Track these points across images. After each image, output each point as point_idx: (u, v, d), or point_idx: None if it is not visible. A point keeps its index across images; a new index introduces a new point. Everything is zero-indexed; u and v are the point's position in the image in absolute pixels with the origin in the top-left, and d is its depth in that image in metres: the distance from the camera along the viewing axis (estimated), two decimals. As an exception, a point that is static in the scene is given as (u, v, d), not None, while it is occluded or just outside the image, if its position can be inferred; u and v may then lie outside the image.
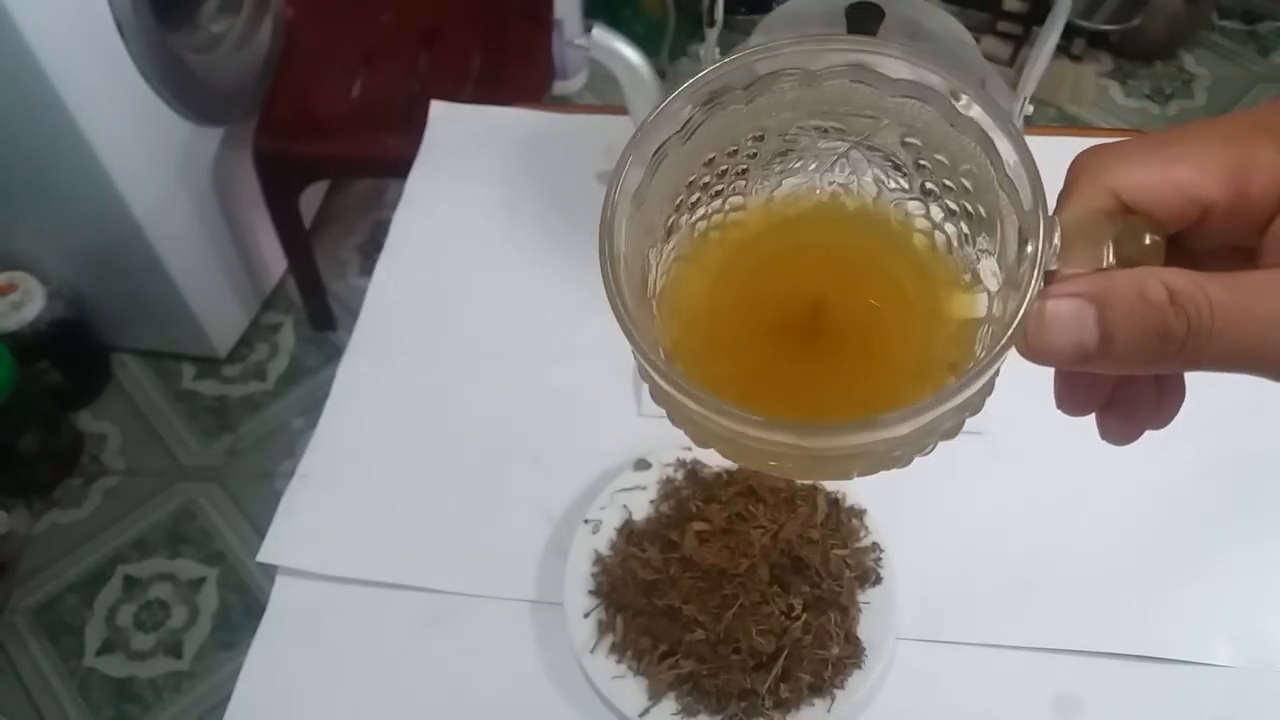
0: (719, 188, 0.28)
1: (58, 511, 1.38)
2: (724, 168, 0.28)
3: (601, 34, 0.62)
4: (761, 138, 0.28)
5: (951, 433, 0.25)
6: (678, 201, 0.28)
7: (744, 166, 0.28)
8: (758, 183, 0.28)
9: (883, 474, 0.58)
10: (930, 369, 0.23)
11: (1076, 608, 0.56)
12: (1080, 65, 1.84)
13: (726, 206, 0.28)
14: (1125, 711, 0.53)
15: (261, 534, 0.60)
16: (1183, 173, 0.23)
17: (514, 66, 1.35)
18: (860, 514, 0.57)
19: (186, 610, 1.29)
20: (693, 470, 0.59)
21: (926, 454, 0.26)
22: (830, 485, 0.58)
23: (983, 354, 0.23)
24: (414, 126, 0.79)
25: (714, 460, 0.59)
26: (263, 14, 1.36)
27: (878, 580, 0.55)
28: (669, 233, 0.28)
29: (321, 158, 1.34)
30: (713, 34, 0.62)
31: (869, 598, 0.54)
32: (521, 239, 0.71)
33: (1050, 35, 0.55)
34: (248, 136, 1.30)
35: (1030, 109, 0.59)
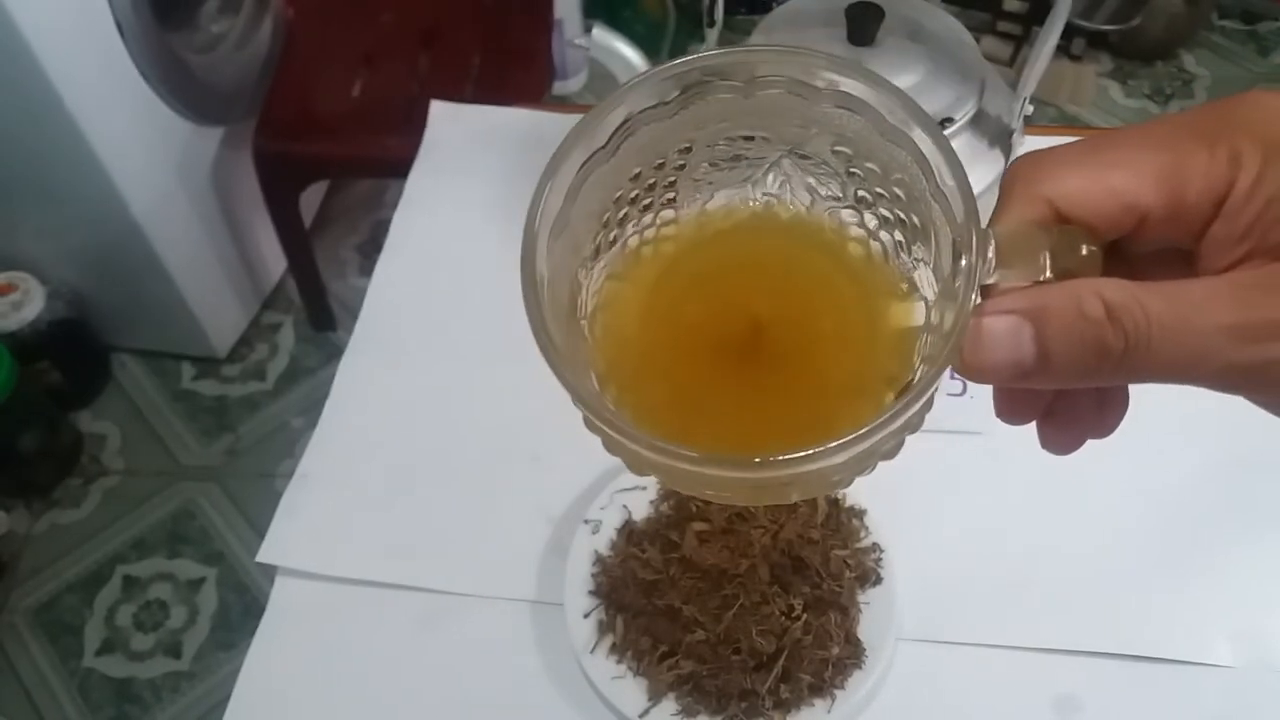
0: (648, 201, 0.27)
1: (57, 511, 1.38)
2: (652, 181, 0.27)
3: (601, 34, 0.62)
4: (689, 149, 0.27)
5: (891, 453, 0.25)
6: (605, 219, 0.27)
7: (672, 179, 0.27)
8: (688, 195, 0.28)
9: (883, 475, 0.58)
10: (869, 382, 0.23)
11: (1076, 608, 0.56)
12: (1080, 65, 1.84)
13: (658, 221, 0.28)
14: (1125, 711, 0.53)
15: (261, 534, 0.60)
16: (1118, 179, 0.23)
17: (514, 66, 1.35)
18: (860, 514, 0.57)
19: (186, 610, 1.29)
20: (693, 470, 0.59)
21: (867, 474, 0.26)
22: (830, 485, 0.58)
23: (919, 375, 0.22)
24: (414, 126, 0.79)
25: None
26: (262, 14, 1.36)
27: (878, 581, 0.55)
28: (598, 251, 0.27)
29: (321, 158, 1.34)
30: (713, 34, 0.62)
31: (869, 598, 0.54)
32: (521, 239, 0.71)
33: (1050, 35, 0.55)
34: (247, 136, 1.30)
35: (1030, 109, 0.59)
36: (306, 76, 1.35)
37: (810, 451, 0.22)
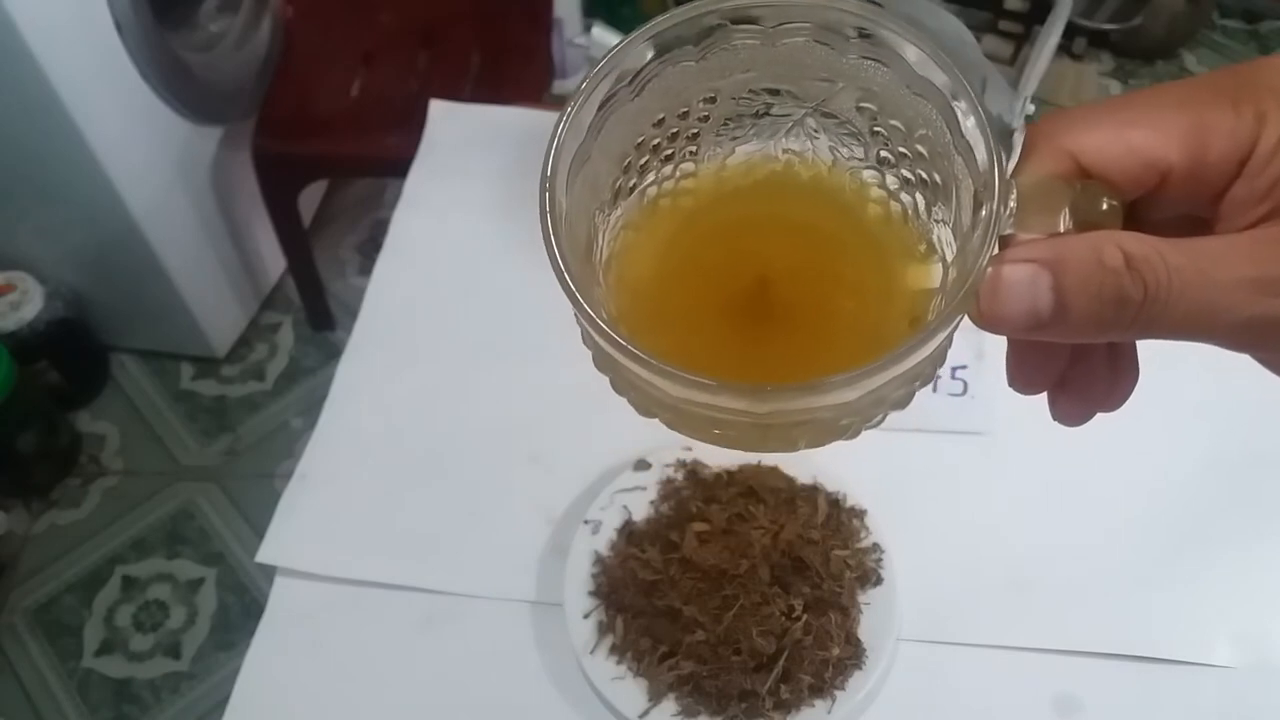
0: (669, 151, 0.27)
1: (56, 512, 1.38)
2: (674, 130, 0.27)
3: (601, 32, 0.62)
4: (713, 99, 0.27)
5: (901, 402, 0.25)
6: (626, 163, 0.27)
7: (695, 130, 0.27)
8: (710, 149, 0.28)
9: (883, 475, 0.58)
10: (883, 343, 0.23)
11: (1077, 608, 0.56)
12: (1081, 64, 1.84)
13: (677, 173, 0.28)
14: (1125, 711, 0.53)
15: (260, 534, 0.59)
16: (1141, 136, 0.23)
17: (514, 66, 1.34)
18: (861, 515, 0.57)
19: (185, 611, 1.29)
20: (693, 471, 0.59)
21: (874, 425, 0.25)
22: (831, 485, 0.57)
23: (933, 318, 0.22)
24: (413, 126, 0.79)
25: (714, 460, 0.59)
26: (261, 13, 1.35)
27: (878, 581, 0.55)
28: (616, 196, 0.27)
29: (321, 157, 1.34)
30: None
31: (869, 598, 0.54)
32: (521, 238, 0.71)
33: (1051, 34, 0.55)
34: (247, 136, 1.30)
35: (1032, 108, 0.59)
36: (305, 76, 1.35)
37: (821, 381, 0.22)
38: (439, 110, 0.80)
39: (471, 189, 0.75)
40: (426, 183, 0.76)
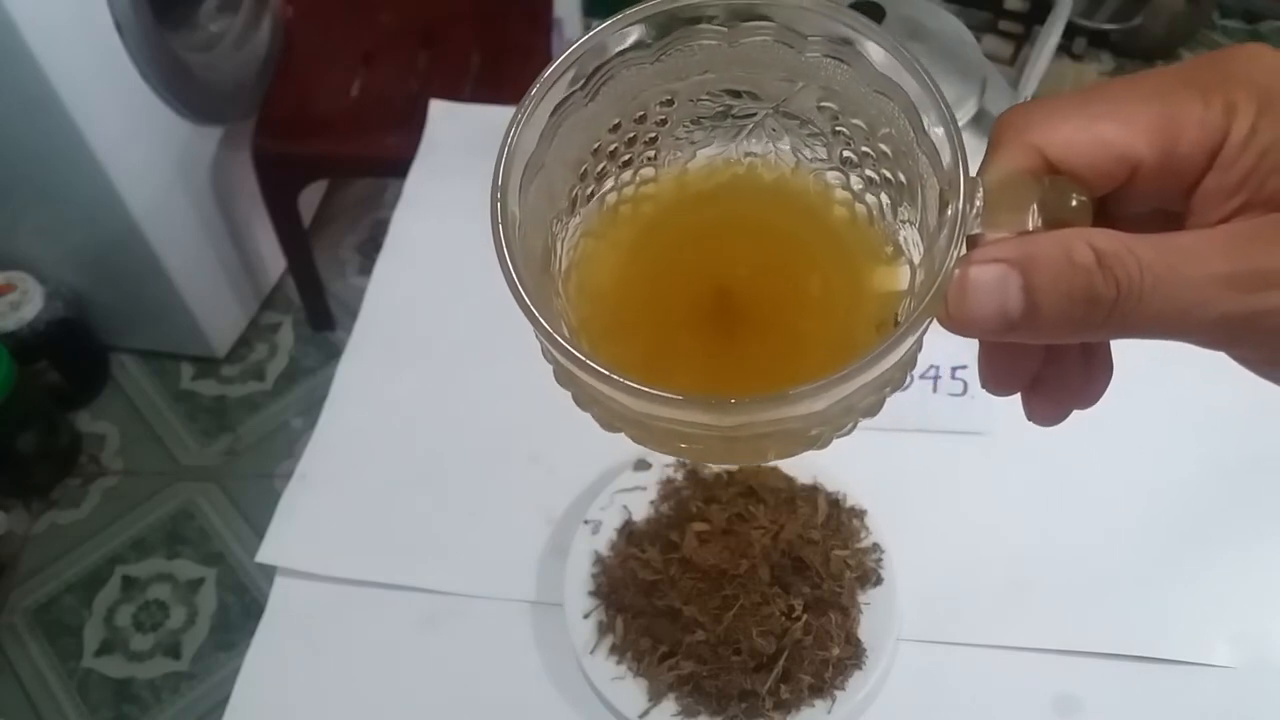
0: (627, 156, 0.27)
1: (56, 512, 1.38)
2: (632, 134, 0.26)
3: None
4: (671, 102, 0.26)
5: (872, 410, 0.24)
6: (583, 170, 0.26)
7: (653, 134, 0.27)
8: (670, 153, 0.27)
9: (883, 475, 0.58)
10: (852, 348, 0.22)
11: (1077, 608, 0.56)
12: (1081, 64, 1.84)
13: (637, 179, 0.27)
14: (1125, 711, 0.53)
15: (260, 534, 0.59)
16: (1110, 129, 0.22)
17: (514, 65, 1.34)
18: (861, 515, 0.57)
19: (185, 611, 1.29)
20: (693, 470, 0.59)
21: (845, 434, 0.25)
22: (831, 485, 0.58)
23: (902, 323, 0.22)
24: (413, 126, 0.79)
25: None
26: (261, 13, 1.35)
27: (878, 581, 0.55)
28: (574, 204, 0.26)
29: (321, 157, 1.34)
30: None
31: (869, 599, 0.54)
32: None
33: (1051, 34, 0.55)
34: (246, 136, 1.30)
35: (1031, 108, 0.59)
36: (306, 76, 1.35)
37: (787, 392, 0.21)
38: (439, 110, 0.80)
39: (471, 189, 0.74)
40: (426, 183, 0.76)
